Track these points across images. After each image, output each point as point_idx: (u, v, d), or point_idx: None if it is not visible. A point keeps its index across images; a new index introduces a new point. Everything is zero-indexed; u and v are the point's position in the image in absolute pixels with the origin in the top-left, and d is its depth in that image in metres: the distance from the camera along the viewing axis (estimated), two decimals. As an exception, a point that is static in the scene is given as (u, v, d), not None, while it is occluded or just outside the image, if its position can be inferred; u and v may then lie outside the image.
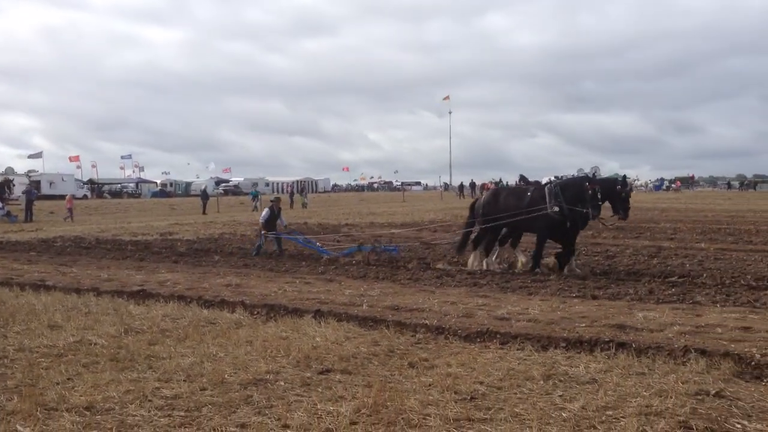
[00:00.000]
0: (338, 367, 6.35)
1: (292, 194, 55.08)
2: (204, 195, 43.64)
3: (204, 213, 39.22)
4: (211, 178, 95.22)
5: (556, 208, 12.26)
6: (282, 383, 5.90)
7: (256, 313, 8.99)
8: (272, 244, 16.85)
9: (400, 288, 11.12)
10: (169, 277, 12.71)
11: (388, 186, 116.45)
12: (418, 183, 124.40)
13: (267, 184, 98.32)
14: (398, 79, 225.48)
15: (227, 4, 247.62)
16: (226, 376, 6.05)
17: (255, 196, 45.87)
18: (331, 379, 6.01)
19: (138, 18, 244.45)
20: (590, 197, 12.16)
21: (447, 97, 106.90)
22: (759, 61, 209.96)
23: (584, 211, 12.18)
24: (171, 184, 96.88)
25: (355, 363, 6.52)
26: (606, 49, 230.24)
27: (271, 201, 18.13)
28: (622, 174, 12.33)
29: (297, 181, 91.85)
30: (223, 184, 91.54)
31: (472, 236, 13.78)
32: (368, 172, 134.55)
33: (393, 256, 14.95)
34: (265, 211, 17.57)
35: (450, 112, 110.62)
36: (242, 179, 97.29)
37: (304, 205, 47.36)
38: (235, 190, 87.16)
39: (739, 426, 4.83)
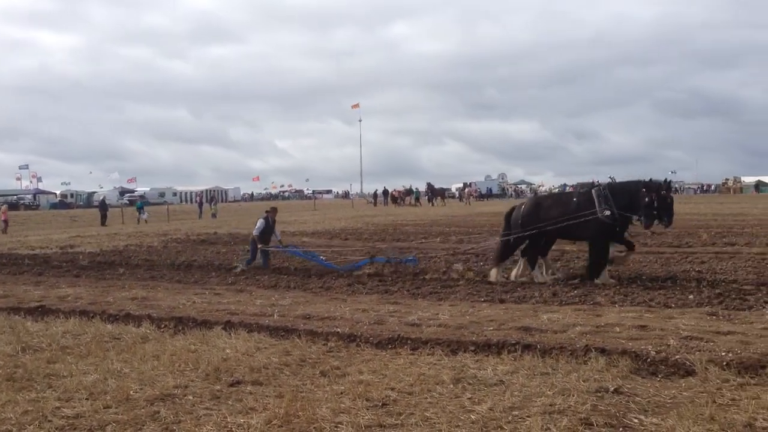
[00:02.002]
0: (249, 379, 6.27)
1: (201, 204, 53.87)
2: (103, 206, 41.87)
3: (104, 225, 37.72)
4: (116, 188, 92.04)
5: (608, 212, 11.66)
6: (191, 397, 5.77)
7: (163, 326, 8.77)
8: (255, 257, 15.41)
9: (311, 297, 11.08)
10: (70, 291, 12.20)
11: (299, 194, 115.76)
12: (329, 191, 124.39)
13: (175, 194, 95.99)
14: (306, 86, 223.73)
15: (124, 8, 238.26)
16: (131, 392, 5.87)
17: (140, 207, 44.24)
18: (242, 391, 5.92)
19: (28, 22, 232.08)
20: (645, 205, 11.50)
21: (356, 105, 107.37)
22: (649, 70, 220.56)
23: (636, 219, 11.70)
24: (71, 195, 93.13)
25: (267, 374, 6.45)
26: (506, 57, 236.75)
27: (267, 211, 16.21)
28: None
29: (206, 191, 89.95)
30: (128, 195, 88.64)
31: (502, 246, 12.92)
32: (279, 181, 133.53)
33: (411, 268, 13.64)
34: (259, 222, 15.80)
35: (360, 120, 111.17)
36: (148, 189, 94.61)
37: (214, 215, 46.46)
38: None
39: (636, 420, 5.06)
